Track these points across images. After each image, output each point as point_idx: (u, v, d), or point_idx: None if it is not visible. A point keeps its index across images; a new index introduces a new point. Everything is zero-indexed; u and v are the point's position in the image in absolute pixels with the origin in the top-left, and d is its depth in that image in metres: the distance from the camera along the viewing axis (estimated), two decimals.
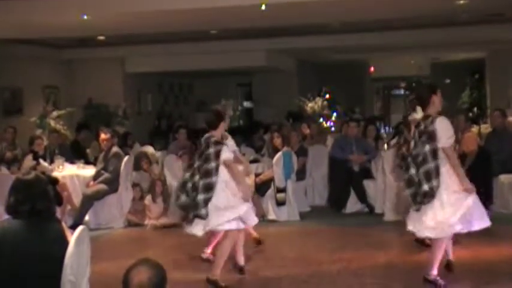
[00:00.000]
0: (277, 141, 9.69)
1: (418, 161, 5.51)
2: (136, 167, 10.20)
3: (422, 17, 11.92)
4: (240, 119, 20.89)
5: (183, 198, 5.91)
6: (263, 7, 9.20)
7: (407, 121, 5.84)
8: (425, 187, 5.42)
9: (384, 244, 7.56)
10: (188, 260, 7.06)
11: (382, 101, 27.39)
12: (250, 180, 6.79)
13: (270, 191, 9.25)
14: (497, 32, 13.98)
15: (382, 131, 18.41)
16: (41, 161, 9.38)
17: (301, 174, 10.13)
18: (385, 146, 10.04)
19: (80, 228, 3.84)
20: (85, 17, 9.73)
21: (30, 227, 3.71)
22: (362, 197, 9.72)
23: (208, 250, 6.83)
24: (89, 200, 9.06)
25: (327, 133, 13.31)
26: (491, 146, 9.54)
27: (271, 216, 9.12)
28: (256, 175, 9.31)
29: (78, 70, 16.00)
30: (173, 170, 9.62)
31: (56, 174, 9.27)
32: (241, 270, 6.38)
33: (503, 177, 9.21)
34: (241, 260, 6.41)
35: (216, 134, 5.96)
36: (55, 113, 10.49)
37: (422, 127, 5.56)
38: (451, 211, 5.44)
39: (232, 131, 6.58)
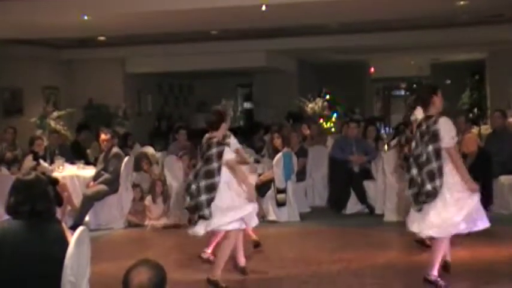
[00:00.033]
0: (278, 142, 9.69)
1: (420, 161, 5.52)
2: (137, 167, 10.20)
3: (422, 17, 11.92)
4: (240, 119, 20.89)
5: (188, 200, 5.91)
6: (263, 8, 9.20)
7: (409, 121, 5.85)
8: (428, 187, 5.44)
9: (384, 244, 7.57)
10: (188, 260, 7.06)
11: (382, 102, 27.39)
12: (255, 179, 6.74)
13: (270, 192, 9.25)
14: (497, 32, 13.98)
15: (382, 131, 18.41)
16: (41, 161, 9.38)
17: (301, 175, 10.14)
18: (385, 146, 10.02)
19: (80, 228, 3.84)
20: (85, 18, 9.74)
21: (30, 228, 3.71)
22: (362, 197, 9.72)
23: (209, 250, 6.83)
24: (89, 201, 9.06)
25: (327, 134, 13.31)
26: (491, 146, 9.55)
27: (272, 217, 9.12)
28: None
29: (79, 70, 16.00)
30: (173, 171, 9.61)
31: (56, 174, 9.27)
32: (243, 270, 6.38)
33: (503, 178, 9.21)
34: (242, 260, 6.42)
35: (218, 134, 5.96)
36: (55, 114, 10.49)
37: (424, 127, 5.58)
38: (455, 210, 5.46)
39: (233, 132, 6.56)
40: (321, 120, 14.28)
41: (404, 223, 5.96)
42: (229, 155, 5.86)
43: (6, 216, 3.81)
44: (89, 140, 11.97)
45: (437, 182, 5.42)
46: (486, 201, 7.27)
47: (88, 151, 11.52)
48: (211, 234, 6.49)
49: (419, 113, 5.80)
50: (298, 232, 8.71)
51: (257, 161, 10.25)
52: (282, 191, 9.24)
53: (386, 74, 23.78)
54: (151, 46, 14.93)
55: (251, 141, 12.55)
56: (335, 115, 15.17)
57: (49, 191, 3.88)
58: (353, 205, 9.76)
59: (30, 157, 9.34)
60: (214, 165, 5.81)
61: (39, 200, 3.77)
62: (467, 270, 6.19)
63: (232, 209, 5.88)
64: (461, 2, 9.75)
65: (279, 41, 14.76)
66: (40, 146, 9.73)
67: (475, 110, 18.42)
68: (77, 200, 9.16)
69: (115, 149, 9.45)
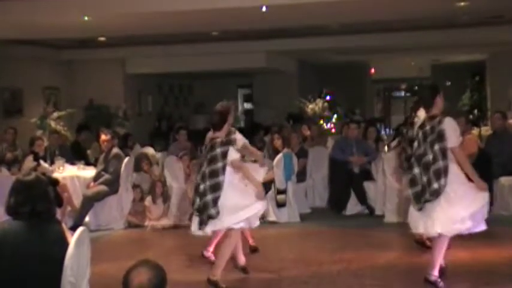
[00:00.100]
0: (278, 142, 9.69)
1: (425, 160, 5.56)
2: (137, 168, 10.20)
3: (422, 18, 11.93)
4: (240, 120, 20.88)
5: (198, 201, 5.89)
6: (263, 9, 9.21)
7: (413, 122, 5.86)
8: (435, 185, 5.49)
9: (384, 245, 7.56)
10: (188, 261, 7.06)
11: (382, 103, 27.40)
12: (264, 174, 6.67)
13: (271, 193, 9.24)
14: (497, 34, 13.99)
15: (383, 132, 18.38)
16: (42, 162, 9.37)
17: (301, 176, 10.14)
18: (386, 147, 10.03)
19: (80, 229, 3.84)
20: (86, 18, 9.74)
21: (31, 228, 3.71)
22: (362, 198, 9.72)
23: (211, 249, 6.83)
24: (89, 201, 9.06)
25: (327, 135, 13.32)
26: (491, 148, 9.55)
27: (272, 217, 9.11)
28: None
29: (79, 71, 16.02)
30: (173, 171, 9.61)
31: (56, 175, 9.27)
32: (244, 269, 6.39)
33: (504, 180, 9.21)
34: (242, 259, 6.42)
35: (220, 134, 5.94)
36: (55, 114, 10.49)
37: (427, 127, 5.61)
38: (461, 206, 5.51)
39: None
40: (322, 121, 14.28)
41: (404, 224, 5.96)
42: (233, 155, 5.85)
43: (6, 217, 3.81)
44: (89, 141, 11.96)
45: (442, 181, 5.47)
46: None
47: (88, 152, 11.52)
48: (211, 233, 6.47)
49: (422, 114, 5.83)
50: (298, 233, 8.71)
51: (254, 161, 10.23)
52: (282, 191, 9.24)
53: (386, 75, 23.79)
54: (152, 47, 14.95)
55: (251, 142, 12.50)
56: (335, 116, 15.17)
57: (49, 191, 3.88)
58: (353, 206, 9.76)
59: (30, 158, 9.34)
60: (219, 164, 5.80)
61: (39, 201, 3.77)
62: (468, 271, 6.19)
63: (242, 208, 5.86)
64: (462, 3, 9.76)
65: (279, 42, 14.77)
66: (40, 147, 9.73)
67: (475, 111, 18.42)
68: (77, 201, 9.16)
69: (115, 150, 9.45)
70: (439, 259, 5.70)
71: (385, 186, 9.08)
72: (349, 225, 8.87)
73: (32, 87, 14.29)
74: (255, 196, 5.94)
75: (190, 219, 7.87)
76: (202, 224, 5.84)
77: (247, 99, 21.47)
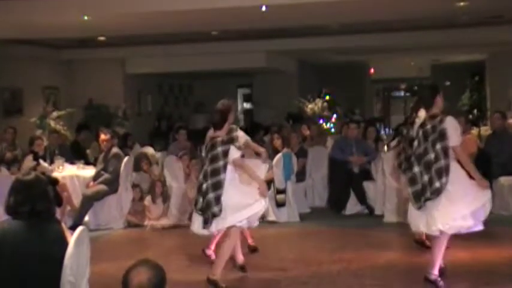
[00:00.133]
0: (277, 142, 9.69)
1: (426, 159, 5.58)
2: (136, 167, 10.20)
3: (422, 18, 11.93)
4: (240, 120, 20.89)
5: (201, 201, 5.88)
6: (263, 8, 9.20)
7: (413, 122, 5.87)
8: (437, 184, 5.51)
9: (384, 245, 7.56)
10: (188, 260, 7.06)
11: (382, 103, 27.41)
12: (266, 171, 6.67)
13: (270, 192, 9.19)
14: (497, 34, 13.99)
15: (382, 132, 18.40)
16: (41, 161, 9.37)
17: (301, 176, 10.14)
18: (385, 147, 10.03)
19: (80, 228, 3.84)
20: (85, 18, 9.74)
21: (30, 228, 3.71)
22: (362, 198, 9.72)
23: (212, 247, 6.83)
24: (89, 201, 9.06)
25: (327, 134, 13.32)
26: (491, 148, 9.55)
27: (271, 217, 9.11)
28: None
29: (79, 71, 16.01)
30: (173, 171, 9.61)
31: (56, 174, 9.27)
32: (242, 268, 6.39)
33: (503, 179, 9.21)
34: (240, 258, 6.43)
35: (221, 133, 5.94)
36: (55, 114, 10.50)
37: (428, 126, 5.63)
38: (462, 204, 5.53)
39: None
40: (321, 121, 14.28)
41: (404, 224, 5.96)
42: (235, 153, 5.85)
43: (6, 216, 3.81)
44: (88, 140, 11.96)
45: (444, 180, 5.50)
46: None
47: (88, 151, 11.51)
48: (216, 232, 6.44)
49: (422, 115, 5.84)
50: (297, 233, 8.70)
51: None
52: (282, 191, 9.24)
53: (386, 75, 23.80)
54: (152, 46, 14.94)
55: None
56: (335, 116, 15.17)
57: (49, 191, 3.89)
58: (353, 206, 9.76)
59: (30, 157, 9.34)
60: (220, 163, 5.81)
61: (38, 200, 3.77)
62: (467, 271, 6.19)
63: (245, 207, 5.87)
64: (462, 3, 9.76)
65: (279, 42, 14.77)
66: (40, 146, 9.73)
67: (475, 111, 18.43)
68: (77, 200, 9.16)
69: (115, 149, 9.45)
70: (439, 258, 5.71)
71: (384, 186, 9.08)
72: (349, 225, 8.87)
73: (32, 87, 14.28)
74: (258, 193, 5.95)
75: (190, 218, 7.86)
76: (207, 223, 5.83)
77: (247, 99, 21.47)
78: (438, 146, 5.54)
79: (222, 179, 5.79)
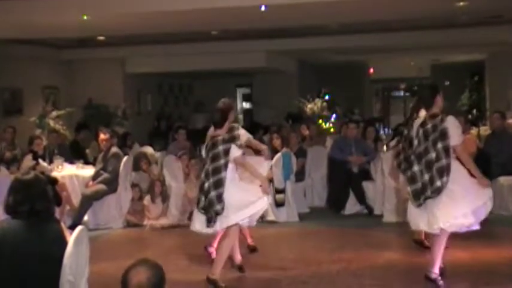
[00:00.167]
0: (277, 142, 9.69)
1: (427, 158, 5.59)
2: (136, 167, 10.20)
3: (422, 18, 11.93)
4: (239, 120, 20.88)
5: (203, 199, 5.88)
6: (263, 8, 9.20)
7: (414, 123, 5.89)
8: (438, 183, 5.53)
9: (383, 245, 7.56)
10: (187, 260, 7.06)
11: (381, 103, 27.39)
12: (268, 168, 6.67)
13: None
14: (496, 33, 13.99)
15: (382, 132, 18.42)
16: (40, 161, 9.38)
17: (300, 175, 10.14)
18: (385, 147, 10.04)
19: (79, 228, 3.84)
20: (85, 18, 9.73)
21: (30, 227, 3.71)
22: (361, 198, 9.72)
23: (215, 244, 6.82)
24: (88, 200, 9.06)
25: (326, 134, 13.32)
26: (490, 148, 9.55)
27: (270, 217, 9.11)
28: None
29: (78, 70, 16.01)
30: (172, 171, 9.60)
31: (55, 174, 9.26)
32: (240, 268, 6.39)
33: (503, 179, 9.21)
34: (238, 258, 6.43)
35: (221, 132, 5.95)
36: (54, 113, 10.50)
37: (429, 126, 5.64)
38: (463, 203, 5.55)
39: None
40: (320, 121, 14.28)
41: (403, 224, 5.97)
42: (236, 152, 5.86)
43: (5, 216, 3.81)
44: (88, 140, 11.96)
45: (445, 179, 5.52)
46: None
47: (87, 151, 11.51)
48: (221, 230, 6.42)
49: (422, 114, 5.85)
50: (297, 232, 8.70)
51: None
52: (281, 191, 9.23)
53: (385, 75, 23.79)
54: (151, 46, 14.93)
55: None
56: (334, 116, 15.17)
57: (48, 190, 3.89)
58: (352, 206, 9.76)
59: (29, 156, 9.34)
60: (221, 161, 5.81)
61: (38, 200, 3.77)
62: (467, 271, 6.19)
63: (247, 205, 5.88)
64: (461, 3, 9.76)
65: (279, 42, 14.76)
66: (39, 146, 9.73)
67: (474, 111, 18.45)
68: (76, 200, 9.16)
69: (114, 149, 9.45)
70: (439, 256, 5.72)
71: (383, 186, 9.08)
72: (348, 225, 8.87)
73: (32, 86, 14.28)
74: (261, 191, 5.96)
75: (189, 218, 7.88)
76: (210, 221, 5.83)
77: (246, 98, 21.46)
78: (439, 145, 5.55)
79: (223, 177, 5.80)
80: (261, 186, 5.99)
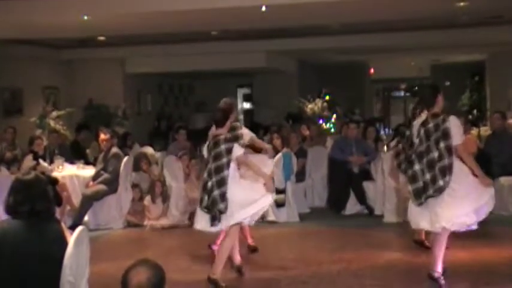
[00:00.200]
0: (277, 142, 9.68)
1: (429, 158, 5.60)
2: (136, 167, 10.20)
3: (422, 18, 11.93)
4: (240, 120, 20.87)
5: (206, 199, 5.88)
6: (263, 8, 9.20)
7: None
8: (441, 182, 5.54)
9: (384, 245, 7.56)
10: (187, 260, 7.06)
11: (382, 103, 27.39)
12: (272, 166, 6.67)
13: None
14: (497, 34, 13.99)
15: (382, 132, 18.41)
16: (41, 161, 9.37)
17: (300, 176, 10.14)
18: (385, 147, 10.03)
19: (79, 228, 3.84)
20: (85, 18, 9.73)
21: (30, 228, 3.71)
22: (361, 198, 9.71)
23: (219, 242, 6.81)
24: (89, 201, 9.05)
25: (326, 134, 13.31)
26: (491, 148, 9.54)
27: (271, 217, 9.10)
28: None
29: (78, 70, 16.01)
30: (173, 171, 9.60)
31: (55, 174, 9.27)
32: (239, 269, 6.37)
33: (503, 180, 9.21)
34: (237, 258, 6.41)
35: (223, 131, 5.95)
36: (55, 113, 10.49)
37: (431, 125, 5.65)
38: (466, 202, 5.56)
39: None
40: (320, 121, 14.28)
41: (403, 224, 5.97)
42: (238, 151, 5.86)
43: (6, 216, 3.81)
44: (88, 140, 11.96)
45: (447, 178, 5.53)
46: None
47: (87, 151, 11.51)
48: (226, 229, 6.41)
49: (423, 114, 5.86)
50: (297, 233, 8.70)
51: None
52: (281, 191, 9.22)
53: (386, 75, 23.80)
54: (151, 46, 14.94)
55: None
56: (334, 115, 15.16)
57: (48, 190, 3.88)
58: (352, 206, 9.76)
59: (29, 157, 9.34)
60: (224, 160, 5.82)
61: (38, 200, 3.77)
62: (467, 271, 6.19)
63: (250, 203, 5.89)
64: (462, 3, 9.76)
65: (279, 42, 14.76)
66: (40, 146, 9.73)
67: (475, 111, 18.44)
68: (76, 200, 9.16)
69: (114, 149, 9.45)
70: (441, 255, 5.72)
71: (384, 186, 9.07)
72: (349, 225, 8.86)
73: (32, 86, 14.28)
74: (265, 189, 5.96)
75: (189, 218, 7.89)
76: (215, 220, 5.83)
77: (247, 98, 21.46)
78: (442, 145, 5.57)
79: (226, 175, 5.81)
80: (265, 184, 5.99)
